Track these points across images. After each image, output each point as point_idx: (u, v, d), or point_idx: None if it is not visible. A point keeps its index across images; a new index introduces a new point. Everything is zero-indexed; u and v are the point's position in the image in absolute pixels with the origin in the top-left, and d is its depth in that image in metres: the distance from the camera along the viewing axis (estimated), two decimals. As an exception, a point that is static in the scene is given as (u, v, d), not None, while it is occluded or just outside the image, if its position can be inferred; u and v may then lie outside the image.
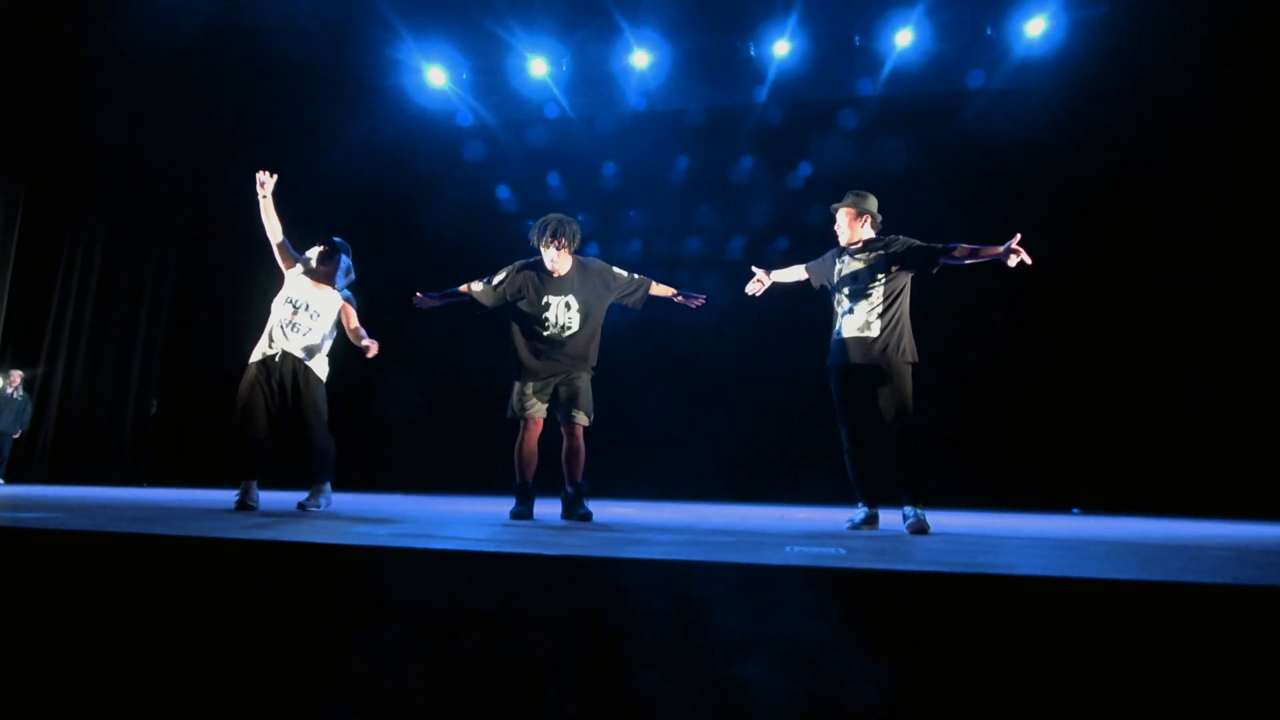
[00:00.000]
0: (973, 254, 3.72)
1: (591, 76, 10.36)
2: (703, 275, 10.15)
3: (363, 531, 2.50)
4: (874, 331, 3.78)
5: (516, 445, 4.03)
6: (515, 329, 4.05)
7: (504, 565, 1.83)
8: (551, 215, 3.98)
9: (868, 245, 3.95)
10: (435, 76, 10.46)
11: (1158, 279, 8.69)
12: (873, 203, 4.06)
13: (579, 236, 4.00)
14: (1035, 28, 9.14)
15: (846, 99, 10.01)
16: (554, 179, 10.93)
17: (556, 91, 10.47)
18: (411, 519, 3.50)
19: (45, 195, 9.56)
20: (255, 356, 4.32)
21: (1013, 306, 9.35)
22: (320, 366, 4.36)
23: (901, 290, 3.87)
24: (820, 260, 4.19)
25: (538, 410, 4.01)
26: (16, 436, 9.47)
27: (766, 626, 1.59)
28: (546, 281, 4.01)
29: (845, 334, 3.86)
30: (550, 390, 4.03)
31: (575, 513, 3.91)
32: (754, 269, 4.28)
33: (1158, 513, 7.73)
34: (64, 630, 1.92)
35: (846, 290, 3.91)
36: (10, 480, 9.23)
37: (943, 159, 9.58)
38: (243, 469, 4.20)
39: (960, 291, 9.18)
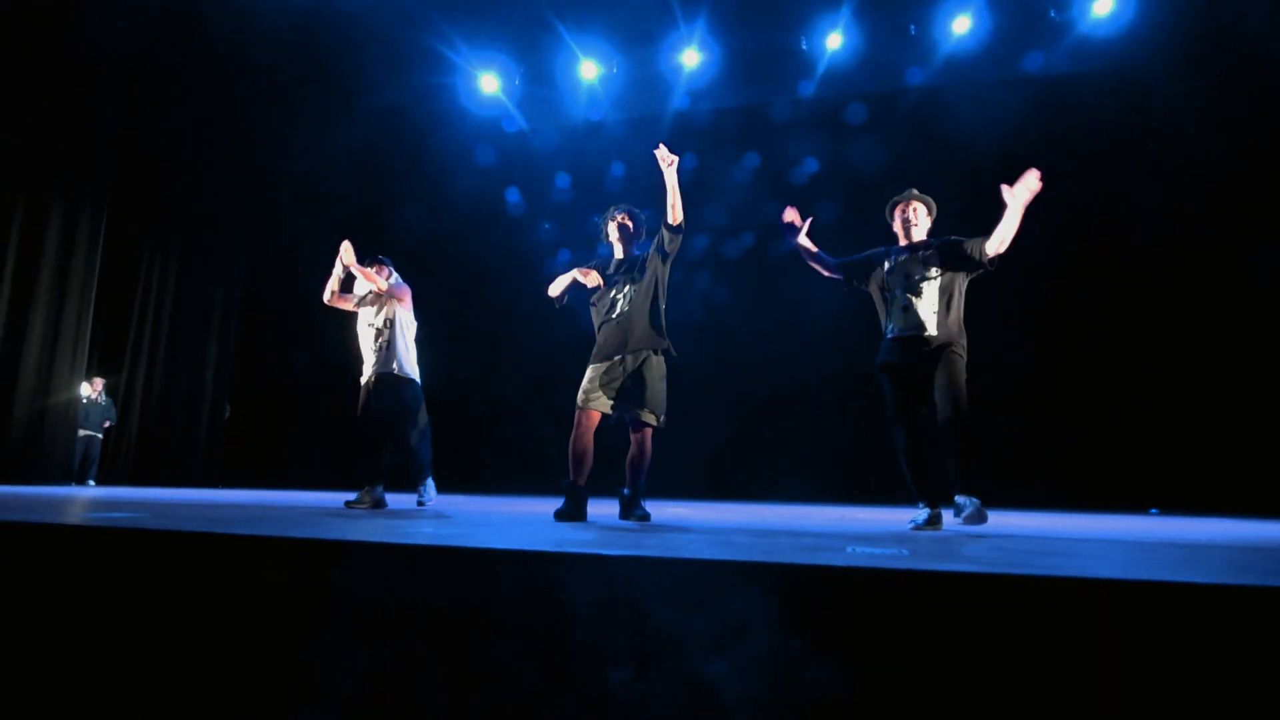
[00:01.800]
0: (1001, 236, 3.60)
1: (641, 78, 10.44)
2: (766, 275, 10.15)
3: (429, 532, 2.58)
4: (931, 329, 3.70)
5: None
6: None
7: (562, 565, 1.87)
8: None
9: (924, 244, 3.90)
10: (488, 84, 10.69)
11: (1247, 269, 8.30)
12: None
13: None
14: (1103, 6, 8.82)
15: (899, 89, 9.85)
16: (618, 169, 11.01)
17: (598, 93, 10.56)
18: (470, 520, 3.58)
19: (125, 213, 10.08)
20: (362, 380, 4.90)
21: (1093, 298, 9.07)
22: (408, 370, 4.83)
23: (958, 287, 3.78)
24: (862, 257, 4.06)
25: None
26: (102, 437, 10.03)
27: (823, 630, 1.59)
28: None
29: (899, 333, 3.78)
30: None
31: (633, 513, 3.78)
32: (788, 214, 4.03)
33: (1243, 513, 7.39)
34: (151, 624, 2.04)
35: (900, 288, 3.82)
36: (101, 481, 9.79)
37: (1004, 148, 9.34)
38: (369, 473, 4.67)
39: (1037, 284, 8.95)
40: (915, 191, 3.98)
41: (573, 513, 3.65)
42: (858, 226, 10.30)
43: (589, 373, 3.87)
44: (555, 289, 4.06)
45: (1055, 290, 9.26)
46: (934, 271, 3.77)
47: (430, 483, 5.03)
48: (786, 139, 10.21)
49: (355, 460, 4.86)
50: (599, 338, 3.94)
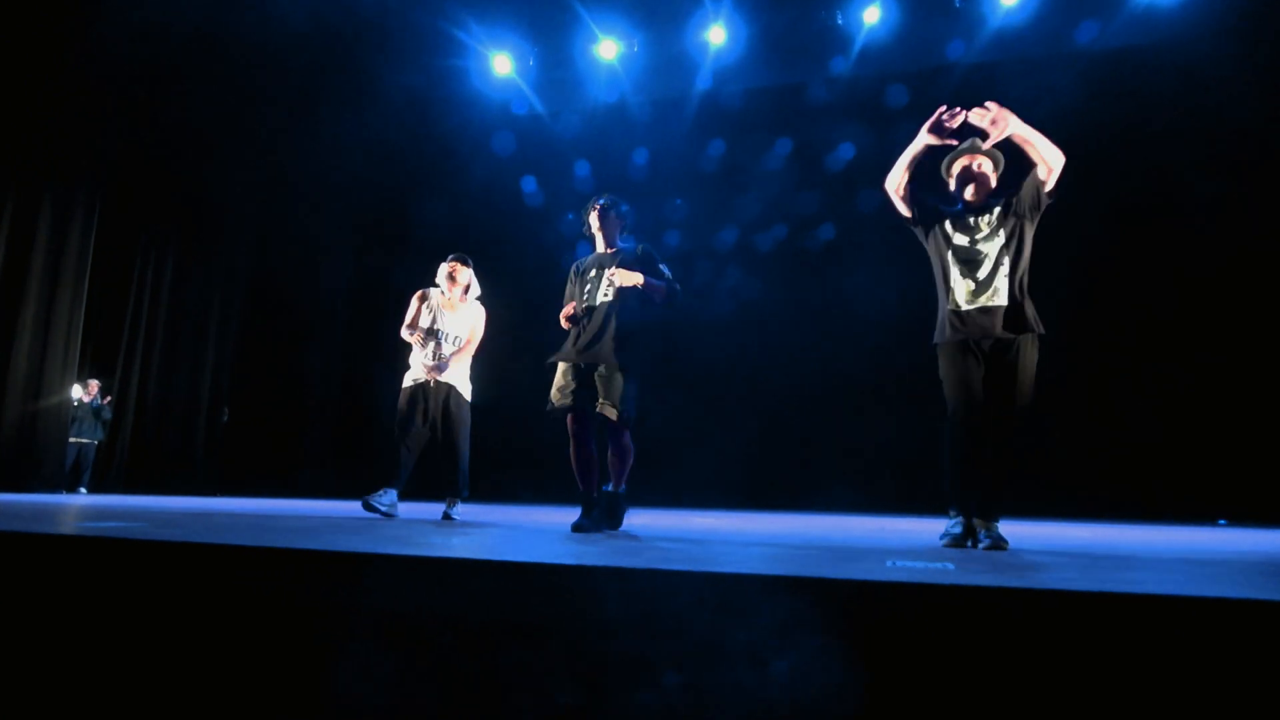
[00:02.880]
0: (1041, 154, 3.44)
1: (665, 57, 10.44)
2: (800, 269, 10.11)
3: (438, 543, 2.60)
4: (1002, 299, 3.44)
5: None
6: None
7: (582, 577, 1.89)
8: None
9: (988, 202, 3.61)
10: (501, 64, 10.75)
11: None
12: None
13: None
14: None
15: (941, 66, 9.76)
16: (640, 157, 11.00)
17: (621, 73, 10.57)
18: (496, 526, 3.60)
19: (118, 209, 10.23)
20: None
21: (1156, 298, 8.94)
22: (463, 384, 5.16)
23: (1028, 248, 3.52)
24: (932, 204, 3.75)
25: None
26: (95, 444, 10.19)
27: (863, 649, 1.59)
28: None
29: (964, 305, 3.51)
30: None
31: (588, 520, 3.83)
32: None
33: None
34: (144, 634, 2.08)
35: (964, 253, 3.56)
36: (93, 489, 9.94)
37: (1054, 129, 9.22)
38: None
39: (1099, 281, 8.86)
40: (980, 142, 3.64)
41: (587, 523, 3.78)
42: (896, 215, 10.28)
43: (558, 370, 4.08)
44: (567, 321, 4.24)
45: (1112, 282, 9.13)
46: (1006, 231, 3.51)
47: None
48: (821, 122, 10.14)
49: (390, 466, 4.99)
50: (573, 331, 4.12)
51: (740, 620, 1.68)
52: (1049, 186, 3.47)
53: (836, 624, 1.63)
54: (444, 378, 4.97)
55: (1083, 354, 8.78)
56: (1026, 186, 3.53)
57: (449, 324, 5.10)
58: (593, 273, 4.18)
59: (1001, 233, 3.52)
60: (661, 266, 4.14)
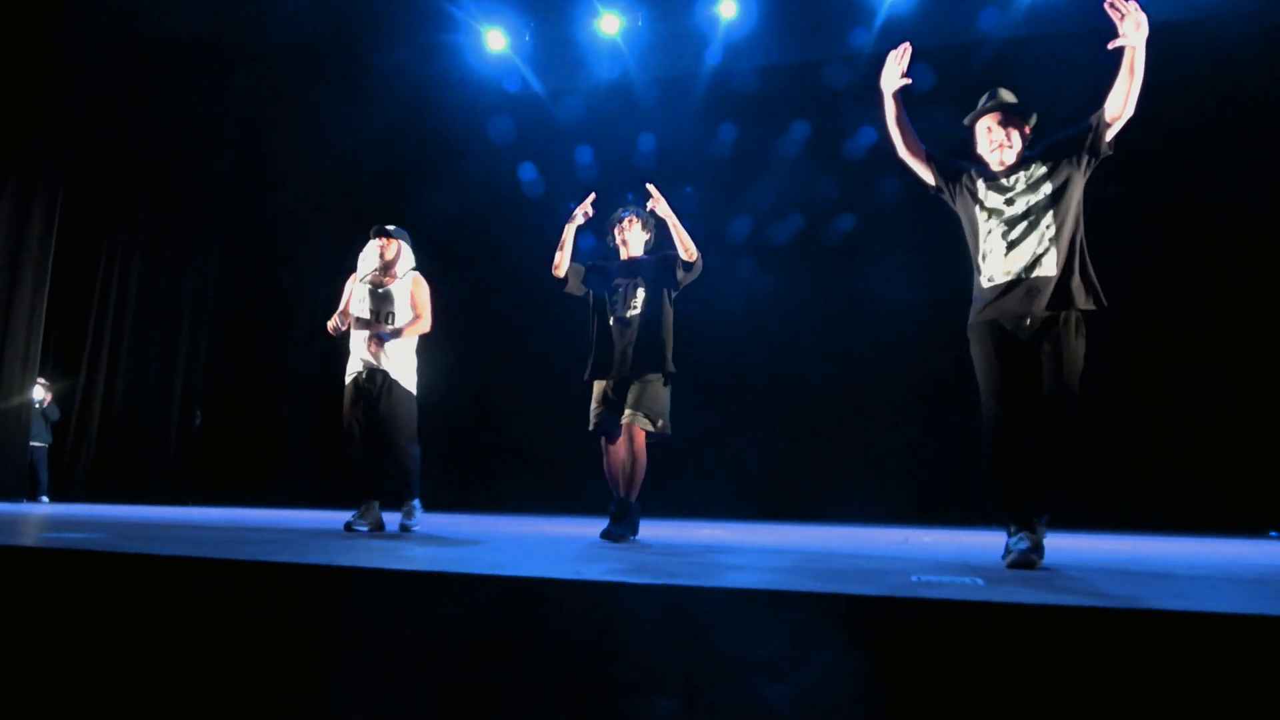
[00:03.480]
0: (1124, 92, 3.12)
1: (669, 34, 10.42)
2: (816, 262, 10.10)
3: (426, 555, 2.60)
4: (1049, 269, 3.10)
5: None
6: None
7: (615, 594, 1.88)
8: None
9: (1024, 159, 3.30)
10: (495, 40, 10.76)
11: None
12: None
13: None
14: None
15: (969, 43, 9.71)
16: (647, 143, 10.98)
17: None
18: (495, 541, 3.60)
19: (81, 200, 10.22)
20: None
21: (1206, 290, 8.90)
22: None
23: (1078, 206, 3.20)
24: (953, 162, 3.51)
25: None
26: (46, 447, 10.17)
27: (885, 667, 1.58)
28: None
29: (1003, 277, 3.18)
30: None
31: (614, 531, 4.07)
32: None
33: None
34: (105, 651, 2.08)
35: (1001, 218, 3.24)
36: (54, 498, 9.94)
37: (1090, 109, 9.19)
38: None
39: (1147, 276, 8.82)
40: (1005, 94, 3.34)
41: (622, 531, 4.08)
42: (923, 203, 10.25)
43: (595, 391, 4.41)
44: (560, 262, 4.46)
45: (1157, 271, 9.08)
46: (1045, 185, 3.18)
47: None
48: (840, 102, 10.10)
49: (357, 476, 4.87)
50: (602, 344, 4.39)
51: (752, 638, 1.68)
52: (1114, 132, 3.16)
53: (856, 641, 1.62)
54: (383, 364, 4.70)
55: (1121, 350, 8.74)
56: (1083, 131, 3.20)
57: (380, 304, 4.83)
58: (621, 285, 4.43)
59: (1046, 187, 3.17)
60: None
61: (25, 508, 7.29)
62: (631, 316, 4.32)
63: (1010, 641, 1.58)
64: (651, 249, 4.61)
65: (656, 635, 1.74)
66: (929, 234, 10.17)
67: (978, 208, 3.30)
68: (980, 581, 2.21)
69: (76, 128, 9.85)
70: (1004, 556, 3.02)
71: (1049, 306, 3.06)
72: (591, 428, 4.40)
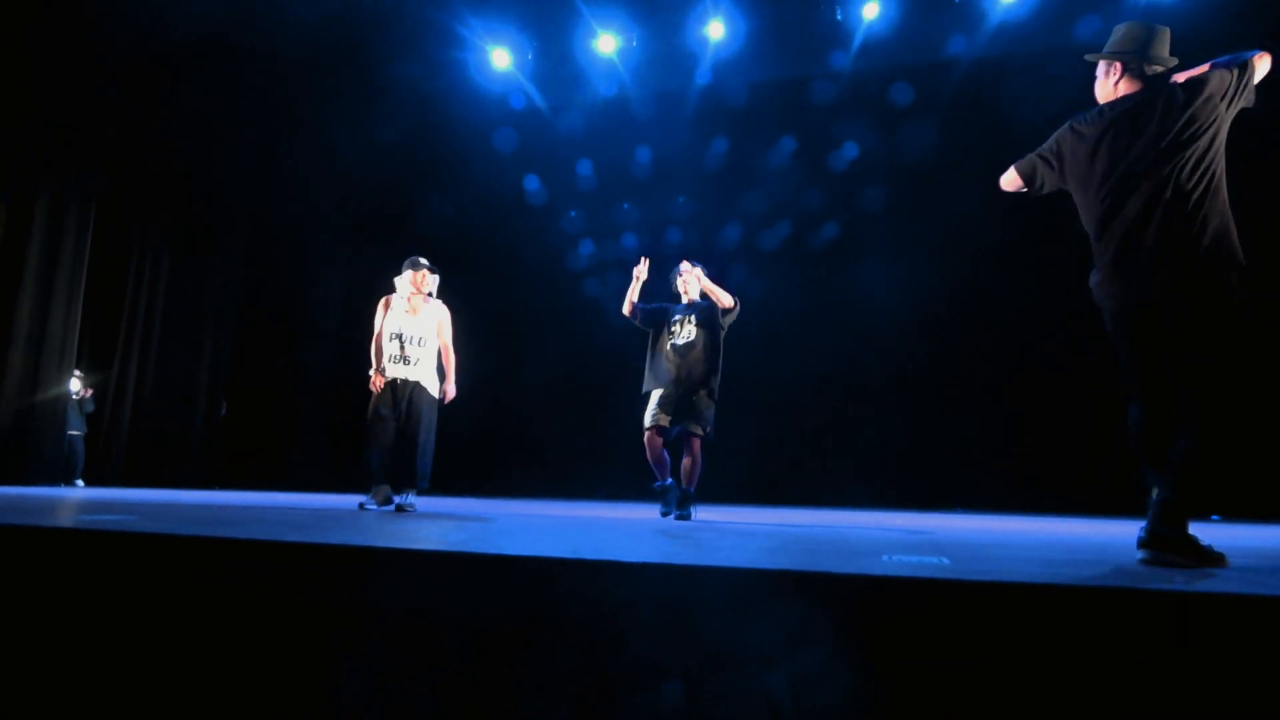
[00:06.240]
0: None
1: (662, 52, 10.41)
2: (805, 267, 10.13)
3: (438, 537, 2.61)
4: (1185, 232, 2.40)
5: None
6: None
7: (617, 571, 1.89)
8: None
9: (1147, 100, 2.57)
10: (499, 59, 10.73)
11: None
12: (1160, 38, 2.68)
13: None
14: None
15: (941, 62, 9.72)
16: (644, 155, 10.97)
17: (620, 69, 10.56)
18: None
19: (113, 204, 10.24)
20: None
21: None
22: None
23: (1217, 156, 2.47)
24: (1052, 146, 2.88)
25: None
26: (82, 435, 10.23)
27: (858, 642, 1.60)
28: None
29: (1130, 248, 2.49)
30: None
31: (684, 510, 4.95)
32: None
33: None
34: (141, 629, 2.09)
35: (1120, 175, 2.54)
36: (90, 482, 9.98)
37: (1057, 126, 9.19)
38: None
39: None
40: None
41: (669, 510, 4.96)
42: (902, 211, 10.25)
43: (653, 398, 5.16)
44: (629, 302, 5.30)
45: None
46: (1178, 134, 2.44)
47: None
48: (823, 117, 10.13)
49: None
50: (659, 360, 5.19)
51: (741, 614, 1.69)
52: (1261, 75, 2.49)
53: (834, 620, 1.64)
54: (411, 375, 5.13)
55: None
56: (1224, 72, 2.48)
57: (412, 327, 5.24)
58: (678, 320, 5.27)
59: (1178, 134, 2.43)
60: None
61: (62, 491, 7.28)
62: (685, 345, 5.15)
63: (976, 617, 1.60)
64: (704, 295, 5.37)
65: (645, 612, 1.75)
66: (908, 240, 10.25)
67: (1090, 161, 2.75)
68: (946, 560, 2.23)
69: (107, 140, 9.84)
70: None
71: (1198, 272, 2.42)
72: (648, 425, 5.09)
